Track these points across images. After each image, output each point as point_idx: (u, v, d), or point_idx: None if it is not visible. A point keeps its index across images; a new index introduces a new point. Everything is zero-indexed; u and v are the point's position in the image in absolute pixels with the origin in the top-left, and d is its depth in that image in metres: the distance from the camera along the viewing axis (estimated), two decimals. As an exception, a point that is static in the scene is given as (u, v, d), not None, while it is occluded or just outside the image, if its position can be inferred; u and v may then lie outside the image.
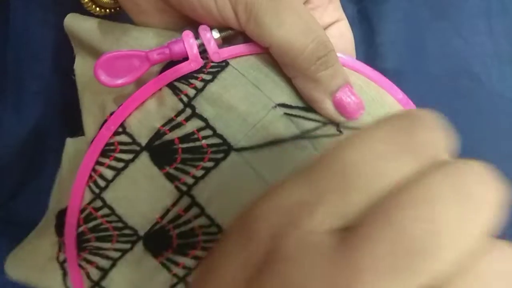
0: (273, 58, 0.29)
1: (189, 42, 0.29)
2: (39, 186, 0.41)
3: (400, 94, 0.32)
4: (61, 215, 0.31)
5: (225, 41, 0.29)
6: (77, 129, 0.33)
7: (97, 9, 0.31)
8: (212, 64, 0.29)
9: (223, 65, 0.29)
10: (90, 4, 0.31)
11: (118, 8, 0.32)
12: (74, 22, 0.32)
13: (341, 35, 0.33)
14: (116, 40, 0.31)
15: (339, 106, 0.29)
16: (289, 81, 0.29)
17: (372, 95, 0.31)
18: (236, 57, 0.29)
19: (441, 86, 0.43)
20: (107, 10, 0.32)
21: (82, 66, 0.33)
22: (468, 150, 0.42)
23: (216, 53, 0.29)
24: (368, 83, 0.32)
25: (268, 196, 0.18)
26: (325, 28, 0.33)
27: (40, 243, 0.32)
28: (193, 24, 0.30)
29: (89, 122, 0.31)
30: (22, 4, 0.40)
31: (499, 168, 0.37)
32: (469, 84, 0.43)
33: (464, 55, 0.44)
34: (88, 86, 0.32)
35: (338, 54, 0.30)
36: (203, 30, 0.29)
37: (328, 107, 0.29)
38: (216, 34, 0.29)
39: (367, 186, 0.16)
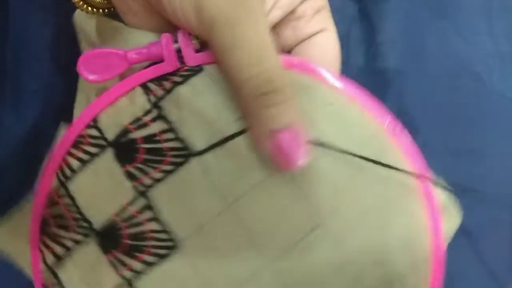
0: None
1: (166, 44, 0.29)
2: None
3: (388, 118, 0.30)
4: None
5: (205, 46, 0.29)
6: None
7: (89, 8, 0.31)
8: (186, 68, 0.29)
9: (197, 69, 0.29)
10: (81, 3, 0.31)
11: (111, 9, 0.32)
12: (81, 18, 0.32)
13: (321, 45, 0.32)
14: (102, 40, 0.31)
15: (276, 151, 0.27)
16: None
17: (351, 116, 0.30)
18: (211, 63, 0.29)
19: (441, 85, 0.43)
20: (100, 11, 0.32)
21: None
22: (469, 150, 0.42)
23: (191, 57, 0.29)
24: (348, 104, 0.30)
25: None
26: (307, 38, 0.32)
27: (19, 220, 0.33)
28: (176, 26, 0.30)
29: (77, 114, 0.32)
30: (21, 4, 0.40)
31: (500, 167, 0.37)
32: (470, 83, 0.43)
33: (464, 55, 0.43)
34: (81, 86, 0.33)
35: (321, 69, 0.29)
36: (181, 33, 0.29)
37: (265, 147, 0.27)
38: (194, 39, 0.29)
39: None
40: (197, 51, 0.29)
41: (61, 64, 0.40)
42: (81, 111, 0.31)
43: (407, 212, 0.30)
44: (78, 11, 0.32)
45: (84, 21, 0.32)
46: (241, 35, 0.26)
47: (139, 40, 0.30)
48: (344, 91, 0.30)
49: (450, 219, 0.31)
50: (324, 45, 0.32)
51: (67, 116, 0.35)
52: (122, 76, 0.30)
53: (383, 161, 0.29)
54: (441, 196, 0.31)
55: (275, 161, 0.27)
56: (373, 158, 0.29)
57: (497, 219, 0.41)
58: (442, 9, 0.45)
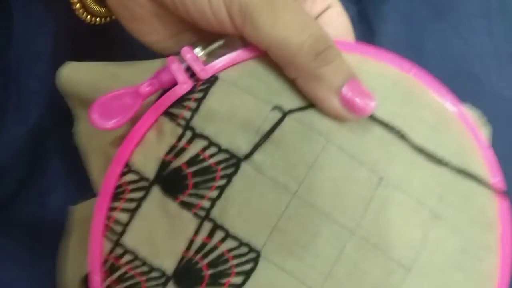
0: (263, 62, 0.29)
1: (174, 67, 0.29)
2: (40, 186, 0.40)
3: (405, 64, 0.30)
4: (86, 281, 0.29)
5: (212, 55, 0.29)
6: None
7: (88, 17, 0.32)
8: (202, 82, 0.29)
9: (213, 80, 0.28)
10: (81, 11, 0.31)
11: (110, 18, 0.32)
12: (67, 76, 0.32)
13: (334, 22, 0.32)
14: (106, 86, 0.30)
15: (347, 103, 0.27)
16: (283, 81, 0.29)
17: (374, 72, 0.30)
18: (224, 69, 0.29)
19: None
20: (98, 19, 0.32)
21: (83, 128, 0.32)
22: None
23: (203, 71, 0.29)
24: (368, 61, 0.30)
25: None
26: (316, 17, 0.32)
27: None
28: (189, 29, 0.30)
29: (96, 177, 0.30)
30: (22, 6, 0.40)
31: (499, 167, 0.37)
32: (469, 84, 0.43)
33: (464, 56, 0.44)
34: (91, 144, 0.31)
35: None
36: (185, 51, 0.29)
37: (335, 105, 0.27)
38: (199, 52, 0.29)
39: None
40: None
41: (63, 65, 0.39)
42: (99, 170, 0.30)
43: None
44: (61, 75, 0.32)
45: (71, 81, 0.31)
46: (279, 12, 0.27)
47: (138, 75, 0.30)
48: (363, 52, 0.30)
49: None
50: (334, 21, 0.32)
51: (68, 117, 0.33)
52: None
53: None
54: None
55: (346, 115, 0.27)
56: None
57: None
58: (441, 10, 0.46)
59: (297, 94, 0.28)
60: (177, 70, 0.28)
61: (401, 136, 0.28)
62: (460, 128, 0.30)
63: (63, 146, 0.33)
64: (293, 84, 0.28)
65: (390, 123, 0.28)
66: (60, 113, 0.39)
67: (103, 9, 0.32)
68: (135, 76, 0.30)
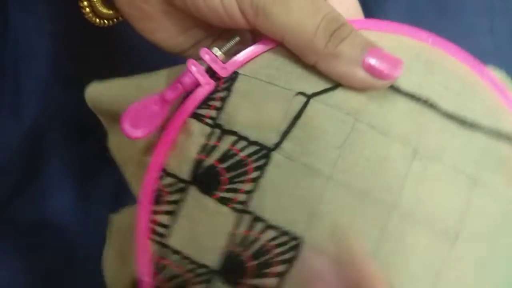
0: (280, 52, 0.29)
1: (195, 70, 0.29)
2: (39, 186, 0.40)
3: (422, 33, 0.30)
4: (135, 285, 0.30)
5: (229, 53, 0.30)
6: (76, 129, 0.33)
7: (97, 20, 0.32)
8: (223, 80, 0.29)
9: (234, 76, 0.29)
10: (91, 15, 0.32)
11: (117, 19, 0.33)
12: (95, 95, 0.33)
13: (344, 1, 0.32)
14: (133, 98, 0.31)
15: (373, 71, 0.27)
16: (302, 67, 0.29)
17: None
18: (243, 64, 0.29)
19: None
20: (107, 22, 0.33)
21: (116, 141, 0.33)
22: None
23: (224, 69, 0.29)
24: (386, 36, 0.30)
25: None
26: None
27: None
28: (198, 25, 0.31)
29: (136, 185, 0.31)
30: (20, 4, 0.40)
31: None
32: None
33: None
34: (126, 156, 0.33)
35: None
36: (203, 53, 0.29)
37: (362, 76, 0.27)
38: (217, 51, 0.30)
39: None
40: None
41: (60, 64, 0.40)
42: (137, 178, 0.30)
43: None
44: (88, 92, 0.33)
45: (98, 98, 0.33)
46: (290, 0, 0.27)
47: (160, 83, 0.31)
48: (377, 28, 0.30)
49: None
50: (345, 1, 0.32)
51: (66, 116, 0.34)
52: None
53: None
54: None
55: (375, 83, 0.27)
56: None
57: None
58: (443, 8, 0.46)
59: (318, 78, 0.28)
60: (198, 72, 0.29)
61: (430, 105, 0.28)
62: (488, 90, 0.30)
63: (61, 146, 0.34)
64: (312, 69, 0.28)
65: (417, 94, 0.28)
66: (58, 113, 0.41)
67: (111, 12, 0.33)
68: (157, 84, 0.31)
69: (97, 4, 0.33)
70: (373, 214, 0.27)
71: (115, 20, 0.34)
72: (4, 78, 0.41)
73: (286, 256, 0.27)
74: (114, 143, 0.33)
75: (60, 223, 0.36)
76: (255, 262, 0.27)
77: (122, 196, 0.44)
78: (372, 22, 0.30)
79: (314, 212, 0.27)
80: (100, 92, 0.32)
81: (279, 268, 0.27)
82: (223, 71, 0.29)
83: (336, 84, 0.28)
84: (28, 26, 0.41)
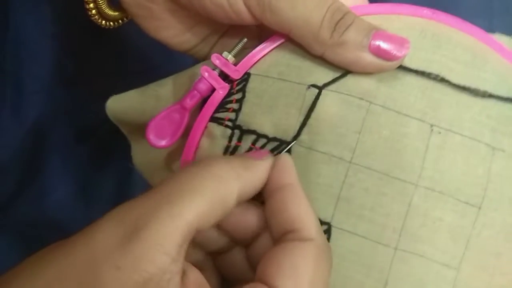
0: (287, 48, 0.30)
1: (208, 76, 0.30)
2: (40, 185, 0.41)
3: (424, 10, 0.31)
4: None
5: (239, 55, 0.31)
6: (77, 129, 0.34)
7: (104, 22, 0.33)
8: (237, 82, 0.31)
9: (246, 77, 0.30)
10: (97, 17, 0.33)
11: (122, 20, 0.33)
12: (115, 108, 0.34)
13: None
14: (152, 107, 0.33)
15: (380, 53, 0.28)
16: (310, 60, 0.30)
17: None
18: (253, 65, 0.31)
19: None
20: (113, 23, 0.33)
21: (139, 152, 0.35)
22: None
23: (236, 71, 0.30)
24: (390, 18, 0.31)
25: None
26: None
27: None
28: (204, 23, 0.32)
29: None
30: (21, 5, 0.41)
31: None
32: None
33: None
34: (152, 167, 0.34)
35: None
36: (214, 59, 0.31)
37: (370, 59, 0.28)
38: (227, 55, 0.31)
39: None
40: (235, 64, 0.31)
41: (60, 65, 0.40)
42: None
43: None
44: (109, 104, 0.34)
45: (118, 109, 0.34)
46: None
47: (176, 91, 0.32)
48: (380, 12, 0.31)
49: None
50: None
51: (67, 116, 0.34)
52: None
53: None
54: None
55: (384, 64, 0.28)
56: None
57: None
58: (442, 8, 0.44)
59: (327, 68, 0.29)
60: (211, 77, 0.30)
61: (441, 79, 0.29)
62: (497, 57, 0.30)
63: (62, 146, 0.34)
64: (320, 60, 0.29)
65: (427, 70, 0.29)
66: (59, 113, 0.41)
67: (117, 13, 0.34)
68: (174, 92, 0.32)
69: (103, 6, 0.33)
70: (397, 192, 0.28)
71: (120, 21, 0.34)
72: (6, 78, 0.41)
73: None
74: (138, 153, 0.35)
75: (61, 221, 0.37)
76: None
77: (123, 194, 0.45)
78: (373, 6, 0.31)
79: (340, 196, 0.28)
80: (120, 104, 0.34)
81: None
82: (236, 74, 0.31)
83: (345, 72, 0.29)
84: (29, 26, 0.41)
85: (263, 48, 0.31)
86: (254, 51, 0.31)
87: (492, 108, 0.29)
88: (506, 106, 0.29)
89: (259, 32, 0.33)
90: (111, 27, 0.34)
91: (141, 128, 0.33)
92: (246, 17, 0.29)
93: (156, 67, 0.45)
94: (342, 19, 0.28)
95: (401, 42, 0.28)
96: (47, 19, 0.41)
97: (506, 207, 0.28)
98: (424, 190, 0.28)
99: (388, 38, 0.28)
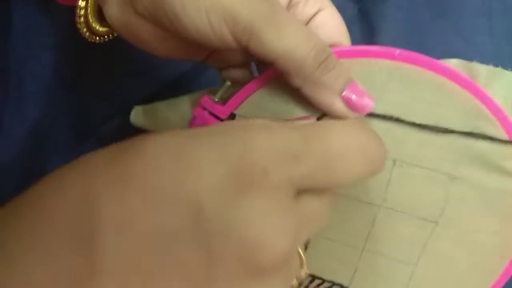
0: (268, 90, 0.33)
1: (202, 115, 0.34)
2: None
3: (396, 51, 0.33)
4: None
5: (226, 94, 0.34)
6: (78, 130, 0.35)
7: (92, 37, 0.34)
8: (224, 120, 0.34)
9: (231, 117, 0.34)
10: (85, 31, 0.34)
11: (113, 35, 0.35)
12: (139, 121, 0.37)
13: (325, 24, 0.33)
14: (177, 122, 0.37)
15: (349, 104, 0.30)
16: (290, 101, 0.33)
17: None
18: (237, 105, 0.34)
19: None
20: (101, 38, 0.35)
21: None
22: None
23: (222, 112, 0.34)
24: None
25: (268, 135, 0.24)
26: (309, 20, 0.33)
27: None
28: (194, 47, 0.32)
29: None
30: (23, 4, 0.41)
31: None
32: None
33: (464, 55, 0.42)
34: None
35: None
36: (204, 101, 0.34)
37: (340, 106, 0.30)
38: (215, 98, 0.34)
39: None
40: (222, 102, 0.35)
41: (63, 65, 0.41)
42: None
43: None
44: (132, 120, 0.36)
45: (142, 123, 0.38)
46: (284, 27, 0.29)
47: (181, 116, 0.36)
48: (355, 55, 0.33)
49: None
50: (327, 22, 0.33)
51: (68, 117, 0.36)
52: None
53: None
54: None
55: (349, 114, 0.31)
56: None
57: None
58: (442, 9, 0.47)
59: (306, 107, 0.32)
60: (204, 116, 0.34)
61: (403, 121, 0.32)
62: (462, 94, 0.32)
63: (63, 147, 0.36)
64: (300, 99, 0.32)
65: (389, 113, 0.32)
66: (61, 114, 0.42)
67: (105, 29, 0.35)
68: (180, 117, 0.36)
69: (90, 21, 0.34)
70: (364, 212, 0.34)
71: (106, 37, 0.35)
72: (8, 80, 0.41)
73: None
74: None
75: None
76: None
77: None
78: (342, 50, 0.33)
79: None
80: (144, 117, 0.37)
81: None
82: (223, 115, 0.34)
83: (322, 114, 0.32)
84: (30, 26, 0.42)
85: (248, 88, 0.34)
86: (239, 92, 0.34)
87: (453, 143, 0.32)
88: (467, 140, 0.32)
89: (244, 54, 0.35)
90: (97, 42, 0.35)
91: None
92: (231, 43, 0.29)
93: (156, 68, 0.46)
94: (326, 61, 0.29)
95: (367, 98, 0.31)
96: (49, 20, 0.42)
97: (460, 225, 0.33)
98: (386, 210, 0.33)
99: (360, 93, 0.31)
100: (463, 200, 0.33)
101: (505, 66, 0.38)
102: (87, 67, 0.45)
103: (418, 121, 0.32)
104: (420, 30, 0.46)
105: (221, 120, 0.34)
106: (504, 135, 0.32)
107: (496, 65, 0.35)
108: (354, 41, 0.35)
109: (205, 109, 0.35)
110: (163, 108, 0.38)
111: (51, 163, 0.43)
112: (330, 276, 0.36)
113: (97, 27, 0.35)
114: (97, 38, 0.35)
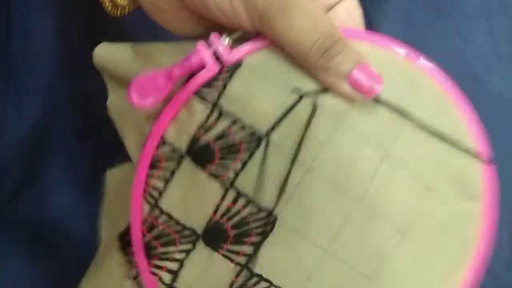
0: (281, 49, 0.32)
1: (203, 53, 0.32)
2: (41, 185, 0.41)
3: (413, 53, 0.33)
4: (123, 236, 0.34)
5: (236, 42, 0.32)
6: (79, 129, 0.34)
7: (114, 10, 0.34)
8: (227, 66, 0.32)
9: (237, 64, 0.32)
10: (107, 5, 0.34)
11: (129, 9, 0.34)
12: (103, 55, 0.35)
13: (348, 12, 0.34)
14: (140, 66, 0.34)
15: (356, 86, 0.31)
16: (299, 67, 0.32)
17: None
18: (247, 54, 0.32)
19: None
20: (122, 11, 0.35)
21: (116, 101, 0.36)
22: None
23: (229, 56, 0.32)
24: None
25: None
26: (331, 7, 0.34)
27: (107, 270, 0.35)
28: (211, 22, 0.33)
29: (133, 148, 0.34)
30: (22, 3, 0.41)
31: (499, 168, 0.39)
32: (469, 84, 0.42)
33: (464, 55, 0.45)
34: (126, 119, 0.35)
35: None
36: (214, 38, 0.32)
37: (344, 88, 0.31)
38: (226, 39, 0.32)
39: None
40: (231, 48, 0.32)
41: (63, 64, 0.41)
42: (135, 143, 0.34)
43: None
44: (97, 49, 0.34)
45: (107, 57, 0.35)
46: (294, 17, 0.30)
47: (169, 56, 0.33)
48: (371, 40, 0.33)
49: None
50: (349, 11, 0.34)
51: (69, 116, 0.35)
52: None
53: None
54: None
55: (355, 96, 0.31)
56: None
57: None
58: (441, 9, 0.46)
59: (313, 78, 0.32)
60: (205, 55, 0.32)
61: (405, 115, 0.32)
62: (457, 111, 0.33)
63: (64, 145, 0.35)
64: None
65: (395, 104, 0.32)
66: (62, 113, 0.41)
67: (126, 2, 0.35)
68: (167, 56, 0.33)
69: None
70: (340, 204, 0.31)
71: (126, 10, 0.35)
72: (9, 78, 0.41)
73: (263, 229, 0.31)
74: (114, 105, 0.36)
75: (62, 221, 0.37)
76: (236, 232, 0.31)
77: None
78: (366, 34, 0.33)
79: (291, 196, 0.31)
80: (109, 54, 0.35)
81: (255, 239, 0.31)
82: (229, 58, 0.32)
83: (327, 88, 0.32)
84: (31, 25, 0.41)
85: (260, 42, 0.32)
86: (251, 42, 0.32)
87: (440, 151, 0.32)
88: (452, 152, 0.33)
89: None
90: (116, 16, 0.35)
91: (122, 81, 0.34)
92: (246, 25, 0.31)
93: None
94: (331, 48, 0.30)
95: (377, 81, 0.31)
96: (50, 19, 0.41)
97: (425, 241, 0.32)
98: (363, 207, 0.31)
99: (368, 74, 0.31)
100: (432, 216, 0.32)
101: (505, 66, 0.39)
102: (88, 66, 0.41)
103: (417, 119, 0.32)
104: (419, 30, 0.46)
105: (222, 63, 0.32)
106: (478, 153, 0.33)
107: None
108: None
109: (209, 48, 0.32)
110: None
111: (51, 163, 0.42)
112: (279, 280, 0.32)
113: (119, 0, 0.35)
114: (119, 11, 0.35)
